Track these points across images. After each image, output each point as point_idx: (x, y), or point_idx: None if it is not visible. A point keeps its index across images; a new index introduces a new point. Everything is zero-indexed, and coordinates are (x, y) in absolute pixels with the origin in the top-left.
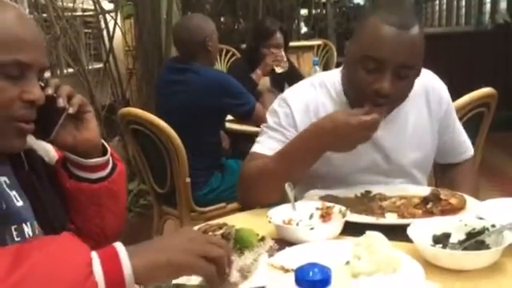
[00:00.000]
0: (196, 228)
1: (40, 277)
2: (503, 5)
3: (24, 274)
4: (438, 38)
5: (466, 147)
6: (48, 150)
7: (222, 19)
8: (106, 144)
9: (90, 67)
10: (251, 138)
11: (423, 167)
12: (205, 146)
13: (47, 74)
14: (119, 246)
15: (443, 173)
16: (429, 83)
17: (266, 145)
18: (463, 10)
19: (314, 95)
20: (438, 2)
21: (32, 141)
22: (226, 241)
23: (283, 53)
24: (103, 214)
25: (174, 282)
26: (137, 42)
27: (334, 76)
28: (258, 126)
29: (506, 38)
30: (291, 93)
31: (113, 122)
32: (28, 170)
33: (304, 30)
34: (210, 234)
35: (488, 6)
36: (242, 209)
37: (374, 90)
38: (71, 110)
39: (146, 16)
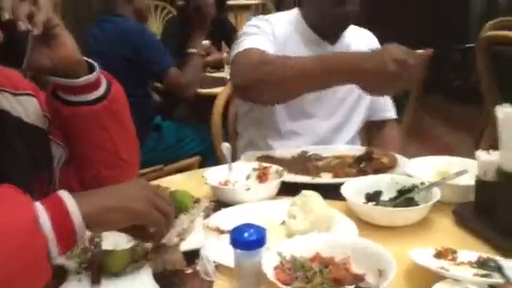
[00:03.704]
0: None
1: None
2: None
3: None
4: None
5: (390, 107)
6: (27, 108)
7: None
8: (92, 62)
9: None
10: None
11: (362, 106)
12: (131, 98)
13: None
14: (64, 194)
15: (370, 138)
16: (369, 35)
17: (258, 43)
18: None
19: (279, 22)
20: None
21: (6, 101)
22: None
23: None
24: (113, 137)
25: (104, 247)
26: None
27: (291, 12)
28: (173, 92)
29: (436, 2)
30: (263, 16)
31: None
32: None
33: None
34: None
35: None
36: (181, 170)
37: (333, 1)
38: (36, 31)
39: None
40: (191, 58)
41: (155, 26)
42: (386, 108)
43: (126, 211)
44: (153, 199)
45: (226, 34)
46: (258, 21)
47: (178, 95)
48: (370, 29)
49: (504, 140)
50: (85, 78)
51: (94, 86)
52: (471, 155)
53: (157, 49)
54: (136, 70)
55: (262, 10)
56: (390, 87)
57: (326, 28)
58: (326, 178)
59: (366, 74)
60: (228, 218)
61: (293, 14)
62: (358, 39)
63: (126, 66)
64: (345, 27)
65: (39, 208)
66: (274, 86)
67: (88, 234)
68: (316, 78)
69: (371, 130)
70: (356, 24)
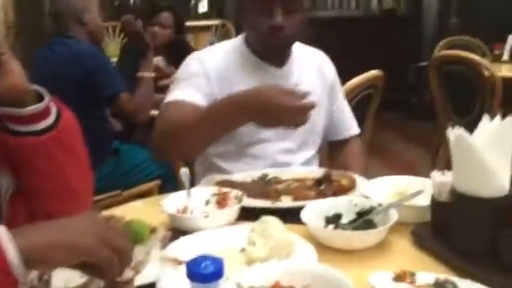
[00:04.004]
0: None
1: None
2: None
3: None
4: (329, 22)
5: (353, 124)
6: None
7: None
8: (41, 90)
9: None
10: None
11: (317, 128)
12: (86, 121)
13: None
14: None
15: (333, 156)
16: (320, 55)
17: (182, 94)
18: None
19: (221, 53)
20: None
21: None
22: None
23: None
24: (63, 167)
25: (54, 285)
26: (17, 17)
27: (236, 40)
28: (126, 118)
29: (391, 24)
30: (199, 52)
31: None
32: None
33: (204, 9)
34: None
35: None
36: (140, 196)
37: (269, 27)
38: None
39: None
40: (141, 82)
41: (113, 48)
42: (350, 125)
43: (72, 248)
44: (104, 235)
45: (184, 55)
46: (190, 61)
47: (131, 120)
48: (330, 50)
49: (456, 161)
50: (32, 107)
51: (43, 115)
52: (430, 170)
53: (109, 72)
54: (89, 93)
55: (222, 30)
56: (276, 123)
57: (268, 53)
58: (286, 202)
59: (250, 117)
60: (186, 248)
61: (237, 41)
62: (307, 58)
63: (78, 89)
64: (286, 50)
65: None
66: (177, 142)
67: (35, 272)
68: (208, 127)
69: (334, 149)
70: (313, 45)
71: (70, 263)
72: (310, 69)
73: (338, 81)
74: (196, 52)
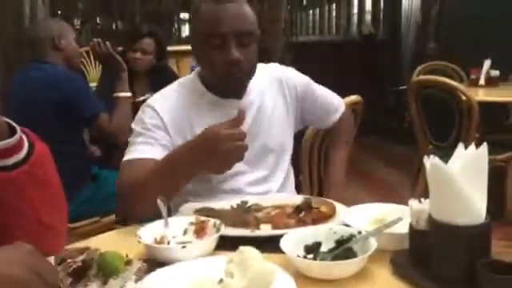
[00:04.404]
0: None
1: None
2: (368, 18)
3: None
4: (310, 46)
5: (337, 104)
6: None
7: (99, 20)
8: (13, 123)
9: None
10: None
11: (287, 144)
12: (64, 146)
13: None
14: None
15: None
16: (276, 68)
17: (138, 151)
18: (334, 21)
19: (176, 96)
20: (311, 12)
21: None
22: (88, 268)
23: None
24: (34, 203)
25: None
26: None
27: (189, 77)
28: (107, 139)
29: (370, 48)
30: (154, 98)
31: None
32: None
33: (187, 33)
34: (70, 261)
35: (355, 18)
36: (119, 222)
37: (225, 63)
38: None
39: (5, 11)
40: (118, 102)
41: (94, 71)
42: (337, 109)
43: (7, 281)
44: (37, 265)
45: (167, 81)
46: (145, 112)
47: (111, 142)
48: (310, 73)
49: (432, 190)
50: (4, 142)
51: (14, 149)
52: (411, 193)
53: (87, 95)
54: (66, 117)
55: None
56: (226, 163)
57: (225, 89)
58: (266, 230)
59: (201, 164)
60: (162, 280)
61: (191, 79)
62: (264, 78)
63: (56, 113)
64: (245, 83)
65: None
66: (134, 202)
67: None
68: (162, 181)
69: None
70: (297, 68)
71: None
72: (270, 88)
73: (305, 81)
74: (151, 98)
